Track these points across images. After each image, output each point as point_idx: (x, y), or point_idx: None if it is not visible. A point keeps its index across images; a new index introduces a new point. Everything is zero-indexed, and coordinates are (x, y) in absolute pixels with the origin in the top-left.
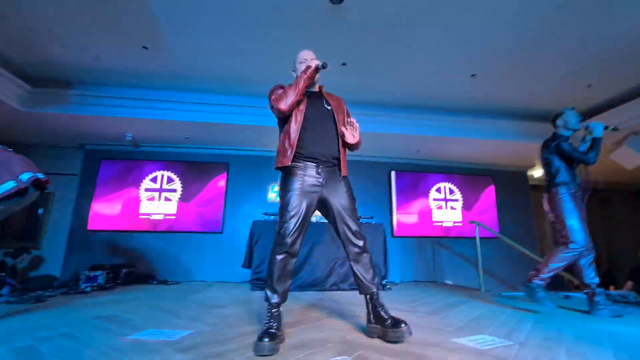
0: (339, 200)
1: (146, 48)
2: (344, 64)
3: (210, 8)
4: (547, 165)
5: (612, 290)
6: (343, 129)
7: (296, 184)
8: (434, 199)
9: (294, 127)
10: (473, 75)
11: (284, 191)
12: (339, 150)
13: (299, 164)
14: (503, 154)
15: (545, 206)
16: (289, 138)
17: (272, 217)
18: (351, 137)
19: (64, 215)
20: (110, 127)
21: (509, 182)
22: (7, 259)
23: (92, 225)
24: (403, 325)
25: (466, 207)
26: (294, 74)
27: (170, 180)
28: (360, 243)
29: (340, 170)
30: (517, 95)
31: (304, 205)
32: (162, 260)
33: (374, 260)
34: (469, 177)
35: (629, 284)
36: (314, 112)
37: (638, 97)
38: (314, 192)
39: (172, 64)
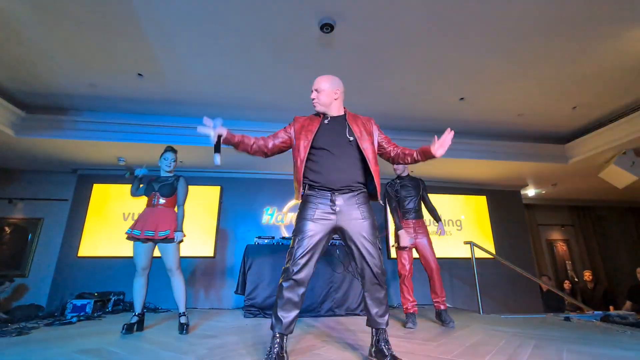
0: (356, 228)
1: (141, 75)
2: None
3: (204, 36)
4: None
5: (612, 311)
6: (435, 144)
7: (309, 212)
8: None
9: (298, 162)
10: (462, 99)
11: (298, 218)
12: (363, 176)
13: (314, 193)
14: (496, 173)
15: (417, 233)
16: (296, 173)
17: (265, 241)
18: (442, 151)
19: (52, 242)
20: (104, 152)
21: (504, 201)
22: None
23: (82, 251)
24: None
25: (461, 227)
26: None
27: None
28: (377, 276)
29: (360, 196)
30: (506, 117)
31: (314, 234)
32: (153, 287)
33: None
34: (462, 196)
35: (628, 304)
36: (329, 140)
37: (622, 118)
38: (327, 220)
39: (166, 90)
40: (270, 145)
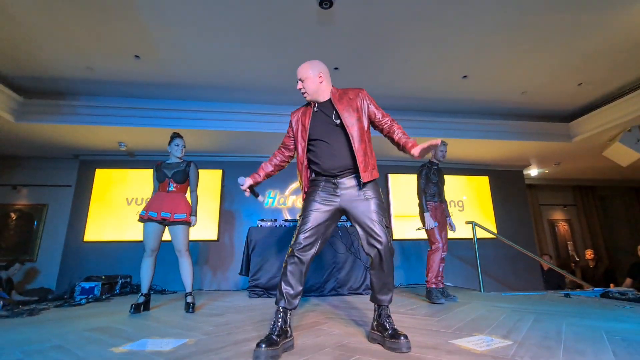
0: (360, 208)
1: (138, 57)
2: (336, 68)
3: (200, 15)
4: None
5: (612, 288)
6: (416, 147)
7: (313, 196)
8: None
9: (299, 165)
10: (465, 77)
11: (304, 200)
12: (353, 158)
13: (319, 178)
14: (498, 153)
15: (443, 216)
16: (299, 176)
17: (268, 223)
18: (418, 152)
19: (58, 227)
20: (105, 137)
21: (506, 182)
22: (1, 273)
23: (88, 236)
24: (402, 338)
25: (463, 207)
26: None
27: None
28: (384, 255)
29: (359, 177)
30: (510, 95)
31: (319, 214)
32: (159, 270)
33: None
34: (464, 177)
35: (628, 281)
36: (321, 130)
37: (627, 94)
38: (331, 202)
39: (164, 72)
40: (286, 156)
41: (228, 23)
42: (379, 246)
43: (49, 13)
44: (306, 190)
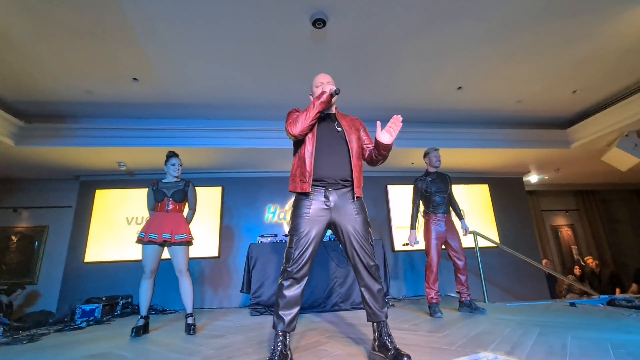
0: (350, 224)
1: (136, 79)
2: None
3: (197, 37)
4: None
5: (617, 295)
6: (378, 130)
7: (304, 210)
8: None
9: (308, 152)
10: (460, 88)
11: (294, 216)
12: (350, 172)
13: (309, 192)
14: (497, 161)
15: (448, 227)
16: (305, 164)
17: (268, 239)
18: (388, 136)
19: (59, 249)
20: (105, 158)
21: (506, 189)
22: (2, 297)
23: (88, 256)
24: (405, 359)
25: (464, 216)
26: (311, 98)
27: None
28: (371, 270)
29: (352, 192)
30: (506, 104)
31: (311, 232)
32: (160, 289)
33: None
34: (464, 186)
35: (634, 287)
36: (324, 135)
37: (623, 100)
38: (323, 216)
39: (162, 93)
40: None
41: (224, 44)
42: (367, 262)
43: (48, 39)
44: (307, 190)
